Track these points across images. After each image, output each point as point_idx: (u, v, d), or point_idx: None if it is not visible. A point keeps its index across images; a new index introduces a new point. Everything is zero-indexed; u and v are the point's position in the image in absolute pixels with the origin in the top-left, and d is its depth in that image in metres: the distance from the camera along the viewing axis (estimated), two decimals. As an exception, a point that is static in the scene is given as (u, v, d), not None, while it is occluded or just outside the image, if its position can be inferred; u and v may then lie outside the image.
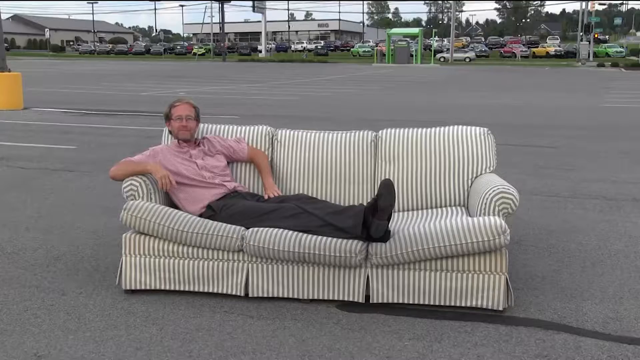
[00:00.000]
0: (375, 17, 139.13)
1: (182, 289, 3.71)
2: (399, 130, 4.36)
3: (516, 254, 4.53)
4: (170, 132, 4.24)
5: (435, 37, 73.80)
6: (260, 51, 65.83)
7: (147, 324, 3.38)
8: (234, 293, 3.65)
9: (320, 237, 3.48)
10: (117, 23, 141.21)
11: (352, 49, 75.82)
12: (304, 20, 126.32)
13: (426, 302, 3.53)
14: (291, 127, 4.57)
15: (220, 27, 64.13)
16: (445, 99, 19.50)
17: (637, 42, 72.95)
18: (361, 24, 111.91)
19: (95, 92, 20.60)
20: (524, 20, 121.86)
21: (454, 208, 4.06)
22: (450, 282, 3.49)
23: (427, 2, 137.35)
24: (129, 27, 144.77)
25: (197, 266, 3.67)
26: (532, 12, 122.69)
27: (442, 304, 3.52)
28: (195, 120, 4.17)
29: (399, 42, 55.40)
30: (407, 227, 3.66)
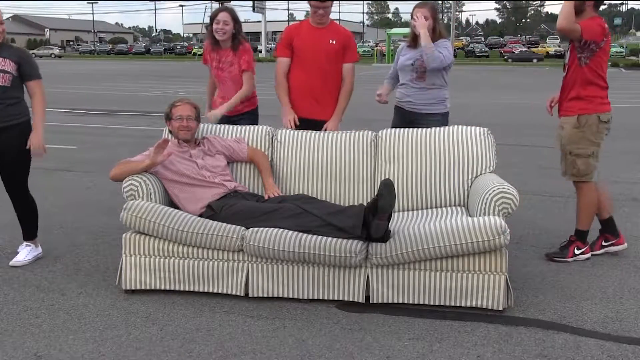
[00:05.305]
0: (375, 17, 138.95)
1: (182, 289, 3.71)
2: (399, 130, 4.37)
3: (516, 254, 4.53)
4: (170, 131, 4.25)
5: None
6: (260, 51, 65.70)
7: (147, 324, 3.38)
8: (234, 293, 3.66)
9: (320, 237, 3.49)
10: (117, 23, 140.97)
11: (352, 49, 75.40)
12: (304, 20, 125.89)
13: (426, 302, 3.53)
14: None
15: (220, 27, 63.66)
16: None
17: (637, 42, 72.84)
18: (361, 24, 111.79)
19: (95, 92, 20.59)
20: (524, 20, 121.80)
21: (454, 208, 4.06)
22: (450, 282, 3.49)
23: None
24: (129, 27, 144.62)
25: (197, 266, 3.67)
26: (532, 12, 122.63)
27: (442, 304, 3.52)
28: (196, 120, 4.18)
29: (399, 42, 55.31)
30: (407, 227, 3.67)
